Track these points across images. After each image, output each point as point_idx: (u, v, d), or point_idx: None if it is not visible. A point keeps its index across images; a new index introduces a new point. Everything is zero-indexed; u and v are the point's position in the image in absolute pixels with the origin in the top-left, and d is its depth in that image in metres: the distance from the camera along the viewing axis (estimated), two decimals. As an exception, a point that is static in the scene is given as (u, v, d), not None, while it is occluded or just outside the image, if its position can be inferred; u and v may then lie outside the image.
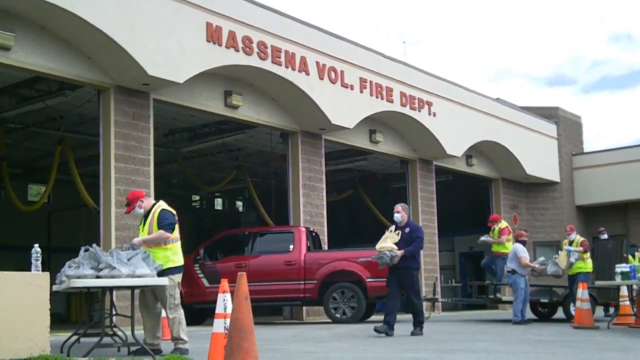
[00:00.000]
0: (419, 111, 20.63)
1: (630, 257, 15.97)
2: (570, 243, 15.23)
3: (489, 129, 23.77)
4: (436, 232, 22.62)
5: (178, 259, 8.03)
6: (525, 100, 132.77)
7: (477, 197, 26.75)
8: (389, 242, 10.62)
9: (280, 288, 15.37)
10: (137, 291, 7.79)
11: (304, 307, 17.49)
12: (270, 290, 15.29)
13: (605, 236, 16.81)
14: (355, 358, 7.80)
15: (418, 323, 11.08)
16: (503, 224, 17.55)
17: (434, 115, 21.20)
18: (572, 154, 28.58)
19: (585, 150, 30.05)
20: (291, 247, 15.54)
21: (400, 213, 10.94)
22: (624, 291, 13.56)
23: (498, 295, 18.09)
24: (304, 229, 16.29)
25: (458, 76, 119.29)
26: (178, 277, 8.00)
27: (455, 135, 22.15)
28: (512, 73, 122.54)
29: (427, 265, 21.90)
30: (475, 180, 25.89)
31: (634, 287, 13.12)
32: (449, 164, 23.38)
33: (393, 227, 10.93)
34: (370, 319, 16.00)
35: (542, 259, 15.43)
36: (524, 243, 14.97)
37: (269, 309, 18.91)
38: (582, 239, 15.34)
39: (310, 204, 18.29)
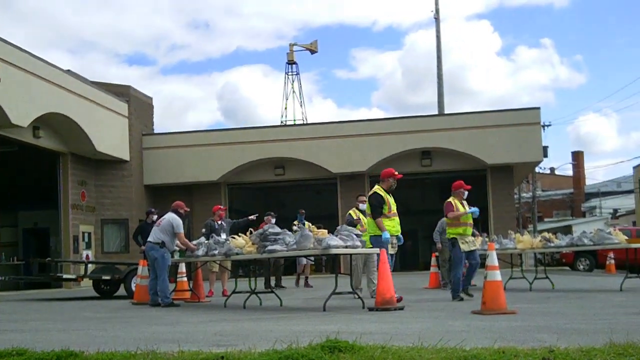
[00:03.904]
0: (-19, 74, 18.80)
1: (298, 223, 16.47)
2: None
3: (58, 101, 22.81)
4: (-5, 206, 20.98)
5: None
6: (105, 75, 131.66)
7: (45, 171, 25.57)
8: None
9: None
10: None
11: None
12: None
13: (155, 217, 17.17)
14: None
15: None
16: None
17: (-2, 80, 19.53)
18: (142, 133, 29.09)
19: (156, 131, 30.91)
20: None
21: None
22: (182, 268, 14.23)
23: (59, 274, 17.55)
24: None
25: (34, 43, 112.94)
26: None
27: (21, 104, 20.74)
28: (95, 47, 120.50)
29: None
30: (43, 154, 24.66)
31: (199, 263, 13.66)
32: (14, 134, 21.80)
33: None
34: None
35: (201, 239, 13.08)
36: (180, 215, 12.75)
37: None
38: None
39: None
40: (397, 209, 11.05)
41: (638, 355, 4.59)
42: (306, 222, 17.12)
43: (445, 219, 11.89)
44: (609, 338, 5.28)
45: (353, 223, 13.14)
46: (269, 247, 10.78)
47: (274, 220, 16.87)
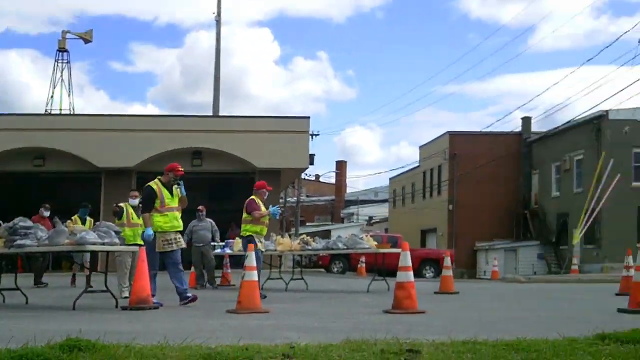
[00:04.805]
0: None
1: (78, 218, 14.89)
2: None
3: None
4: None
5: None
6: None
7: None
8: None
9: None
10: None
11: None
12: None
13: None
14: None
15: None
16: None
17: None
18: None
19: None
20: None
21: None
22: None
23: None
24: None
25: None
26: None
27: None
28: None
29: None
30: None
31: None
32: None
33: None
34: None
35: None
36: None
37: None
38: None
39: None
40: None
41: (369, 351, 4.94)
42: (88, 218, 16.06)
43: (245, 215, 11.82)
44: (346, 335, 5.62)
45: (119, 213, 12.76)
46: (18, 242, 10.09)
47: (47, 213, 15.95)
